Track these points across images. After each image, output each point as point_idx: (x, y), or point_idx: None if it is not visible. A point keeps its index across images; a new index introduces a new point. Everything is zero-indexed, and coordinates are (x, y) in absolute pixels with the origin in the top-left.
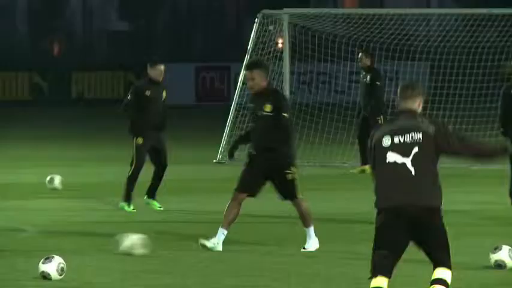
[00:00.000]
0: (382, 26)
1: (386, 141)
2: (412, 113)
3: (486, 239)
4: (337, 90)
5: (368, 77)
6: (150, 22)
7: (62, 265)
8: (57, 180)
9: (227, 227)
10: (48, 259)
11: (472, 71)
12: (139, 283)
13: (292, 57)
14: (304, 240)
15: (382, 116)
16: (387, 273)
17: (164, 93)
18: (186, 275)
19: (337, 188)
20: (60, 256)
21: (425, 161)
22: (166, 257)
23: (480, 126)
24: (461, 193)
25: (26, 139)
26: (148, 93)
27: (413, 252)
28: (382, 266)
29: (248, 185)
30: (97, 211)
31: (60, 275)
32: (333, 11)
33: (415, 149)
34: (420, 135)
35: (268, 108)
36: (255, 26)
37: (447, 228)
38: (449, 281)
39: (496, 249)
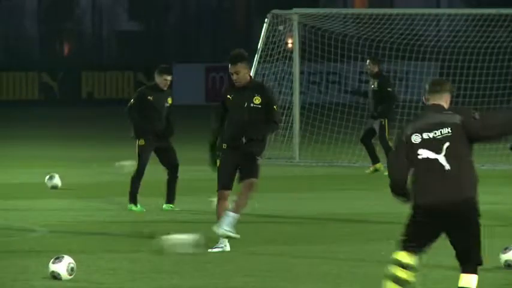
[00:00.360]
0: (392, 26)
1: (417, 138)
2: (439, 107)
3: (496, 239)
4: (347, 90)
5: (375, 84)
6: (159, 22)
7: (72, 265)
8: (57, 178)
9: None
10: (58, 259)
11: (482, 71)
12: (148, 283)
13: (302, 57)
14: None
15: (386, 120)
16: (415, 252)
17: (170, 100)
18: (195, 275)
19: (347, 188)
20: (69, 256)
21: (459, 153)
22: (175, 257)
23: None
24: None
25: (35, 139)
26: (151, 98)
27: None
28: (411, 245)
29: (227, 180)
30: (106, 211)
31: (70, 275)
32: (343, 10)
33: (447, 144)
34: (449, 129)
35: (258, 100)
36: (265, 26)
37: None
38: (474, 286)
39: (506, 249)
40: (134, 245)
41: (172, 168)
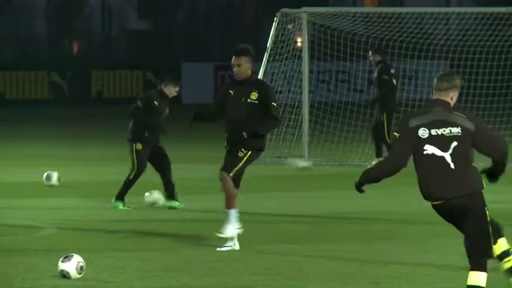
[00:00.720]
0: (401, 25)
1: (424, 133)
2: (446, 105)
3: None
4: (356, 89)
5: (375, 72)
6: (169, 21)
7: (81, 264)
8: (55, 176)
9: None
10: (67, 258)
11: (492, 70)
12: (157, 282)
13: (311, 56)
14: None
15: (385, 115)
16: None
17: (167, 110)
18: (204, 274)
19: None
20: (79, 255)
21: (465, 155)
22: (184, 256)
23: (500, 126)
24: None
25: (43, 138)
26: (156, 103)
27: (428, 251)
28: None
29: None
30: (114, 209)
31: (79, 274)
32: (352, 9)
33: (454, 143)
34: (459, 130)
35: (254, 96)
36: (274, 25)
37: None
38: (483, 284)
39: None
40: (143, 243)
41: (164, 167)
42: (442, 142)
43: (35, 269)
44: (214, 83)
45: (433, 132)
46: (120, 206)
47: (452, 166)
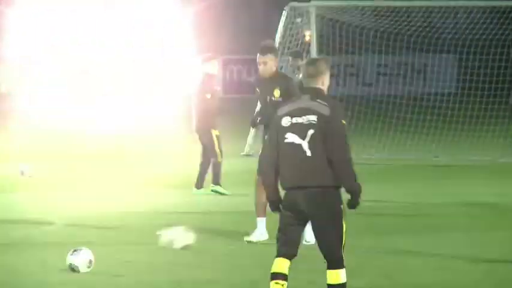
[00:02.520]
0: (410, 19)
1: (286, 121)
2: (313, 93)
3: (510, 232)
4: (365, 83)
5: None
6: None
7: (90, 257)
8: (27, 169)
9: (263, 214)
10: (76, 251)
11: (501, 64)
12: (166, 276)
13: (319, 50)
14: None
15: None
16: (288, 256)
17: None
18: (215, 268)
19: (362, 180)
20: (88, 248)
21: (321, 142)
22: (195, 250)
23: (510, 120)
24: (488, 186)
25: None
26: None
27: (439, 244)
28: (283, 249)
29: None
30: (124, 203)
31: (88, 268)
32: (361, 3)
33: (311, 131)
34: (315, 117)
35: (277, 93)
36: (283, 19)
37: (472, 221)
38: (342, 281)
39: None
40: (153, 237)
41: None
42: (301, 130)
43: (44, 262)
44: (223, 77)
45: (294, 120)
46: (221, 189)
47: (308, 154)
